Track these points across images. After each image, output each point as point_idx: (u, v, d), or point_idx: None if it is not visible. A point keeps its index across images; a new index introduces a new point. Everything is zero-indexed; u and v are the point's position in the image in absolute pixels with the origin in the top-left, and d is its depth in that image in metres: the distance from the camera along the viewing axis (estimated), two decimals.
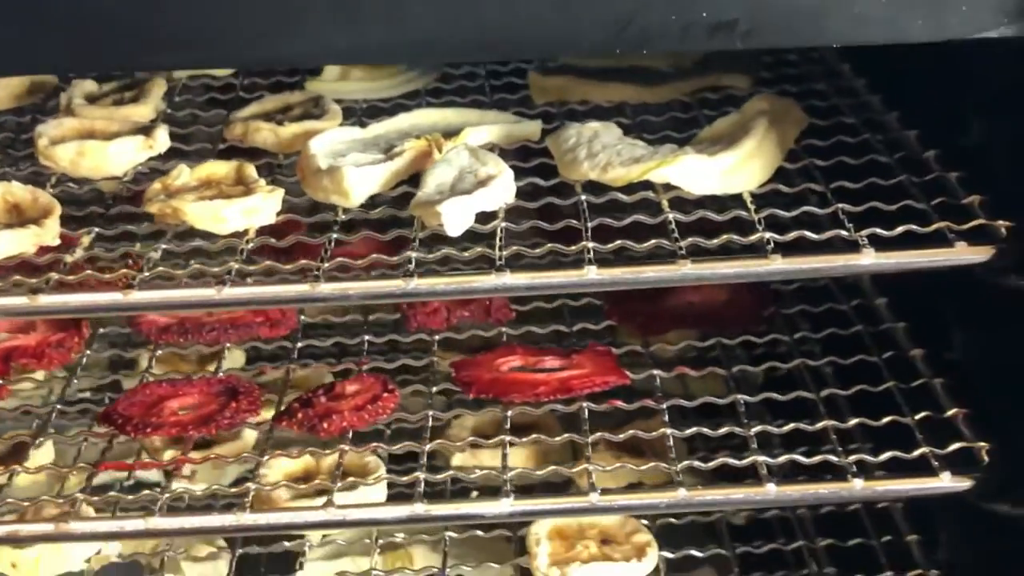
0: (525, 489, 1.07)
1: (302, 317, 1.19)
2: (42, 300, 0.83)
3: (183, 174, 0.97)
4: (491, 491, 0.97)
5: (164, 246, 0.90)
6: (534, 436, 0.97)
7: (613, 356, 1.08)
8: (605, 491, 0.89)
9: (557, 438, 0.97)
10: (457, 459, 1.11)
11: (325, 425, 0.99)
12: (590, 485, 0.90)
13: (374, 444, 0.98)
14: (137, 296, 0.83)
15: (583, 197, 0.95)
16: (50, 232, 0.92)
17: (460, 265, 0.87)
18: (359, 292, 0.84)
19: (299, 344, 1.15)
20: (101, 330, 1.18)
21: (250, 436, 1.15)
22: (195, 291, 0.83)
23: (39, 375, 1.20)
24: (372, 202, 0.97)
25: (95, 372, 1.21)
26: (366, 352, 1.13)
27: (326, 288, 0.84)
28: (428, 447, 0.96)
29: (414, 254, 0.87)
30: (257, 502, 0.94)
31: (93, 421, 1.09)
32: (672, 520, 1.15)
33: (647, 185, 0.95)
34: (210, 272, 0.86)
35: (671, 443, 0.95)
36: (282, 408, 1.04)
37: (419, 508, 0.89)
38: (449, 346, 1.15)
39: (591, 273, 0.84)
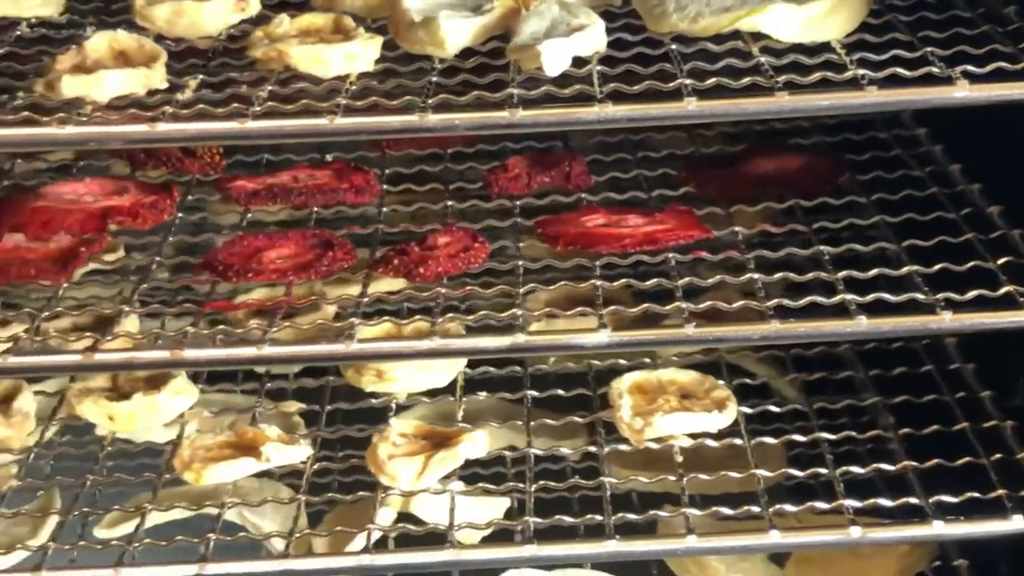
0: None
1: (384, 186, 1.22)
2: (160, 128, 0.86)
3: (284, 23, 0.99)
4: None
5: (270, 87, 0.93)
6: (624, 281, 1.00)
7: (694, 214, 1.10)
8: (700, 324, 0.92)
9: (647, 282, 0.99)
10: (534, 327, 1.14)
11: (421, 270, 1.02)
12: (685, 318, 0.92)
13: (468, 287, 1.01)
14: (253, 125, 0.86)
15: (673, 47, 0.97)
16: (158, 75, 0.95)
17: (561, 102, 0.89)
18: (466, 122, 0.87)
19: (384, 210, 1.18)
20: (190, 198, 1.21)
21: (329, 310, 1.18)
22: (309, 120, 0.86)
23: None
24: (465, 54, 0.99)
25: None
26: (449, 216, 1.16)
27: (433, 119, 0.87)
28: (522, 290, 1.00)
29: (516, 90, 0.89)
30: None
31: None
32: (747, 382, 1.19)
33: (736, 35, 0.97)
34: (318, 107, 0.88)
35: (760, 285, 0.97)
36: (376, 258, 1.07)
37: (520, 338, 0.92)
38: (530, 212, 1.17)
39: (691, 105, 0.86)
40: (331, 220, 1.19)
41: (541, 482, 1.04)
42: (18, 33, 1.08)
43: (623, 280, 1.00)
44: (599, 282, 1.00)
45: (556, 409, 1.19)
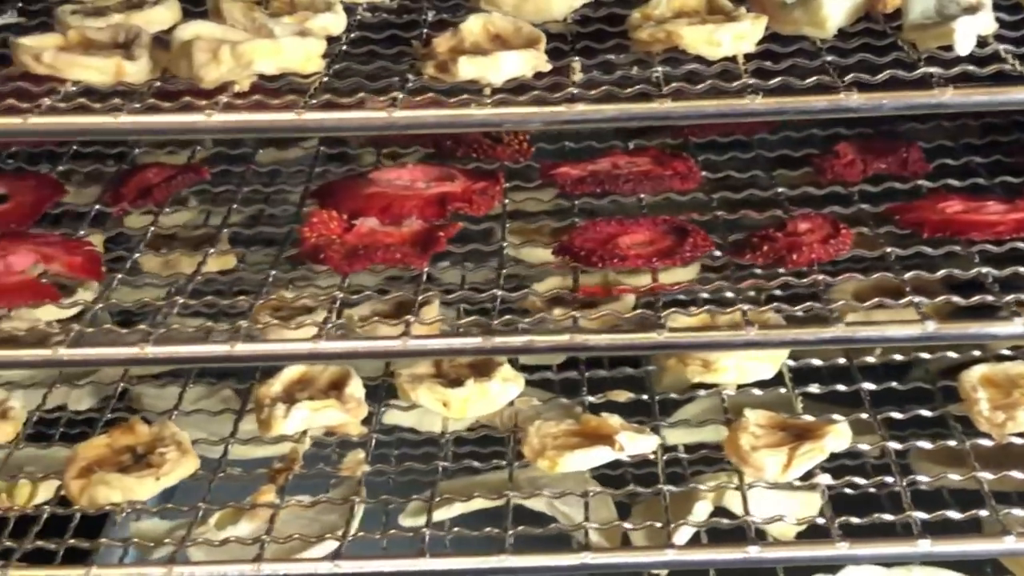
0: None
1: (703, 173, 1.19)
2: (579, 108, 0.84)
3: (662, 4, 0.98)
4: None
5: (660, 69, 0.91)
6: (1012, 270, 0.97)
7: None
8: None
9: None
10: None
11: (794, 256, 0.99)
12: None
13: (846, 275, 0.98)
14: (672, 106, 0.84)
15: None
16: (542, 58, 0.94)
17: (976, 81, 0.86)
18: (893, 102, 0.84)
19: (715, 196, 1.15)
20: (506, 184, 1.20)
21: (628, 300, 1.16)
22: (725, 101, 0.84)
23: None
24: (840, 33, 0.97)
25: None
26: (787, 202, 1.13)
27: (858, 99, 0.84)
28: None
29: (932, 69, 0.86)
30: None
31: None
32: None
33: None
34: (727, 88, 0.86)
35: None
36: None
37: (931, 326, 0.89)
38: (865, 199, 1.14)
39: None
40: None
41: (910, 476, 1.01)
42: (358, 18, 1.08)
43: (1011, 268, 0.96)
44: (985, 268, 0.96)
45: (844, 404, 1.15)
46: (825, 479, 1.01)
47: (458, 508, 1.26)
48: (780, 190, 1.15)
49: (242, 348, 0.88)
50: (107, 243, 1.19)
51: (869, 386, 1.13)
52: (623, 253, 1.02)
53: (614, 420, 1.08)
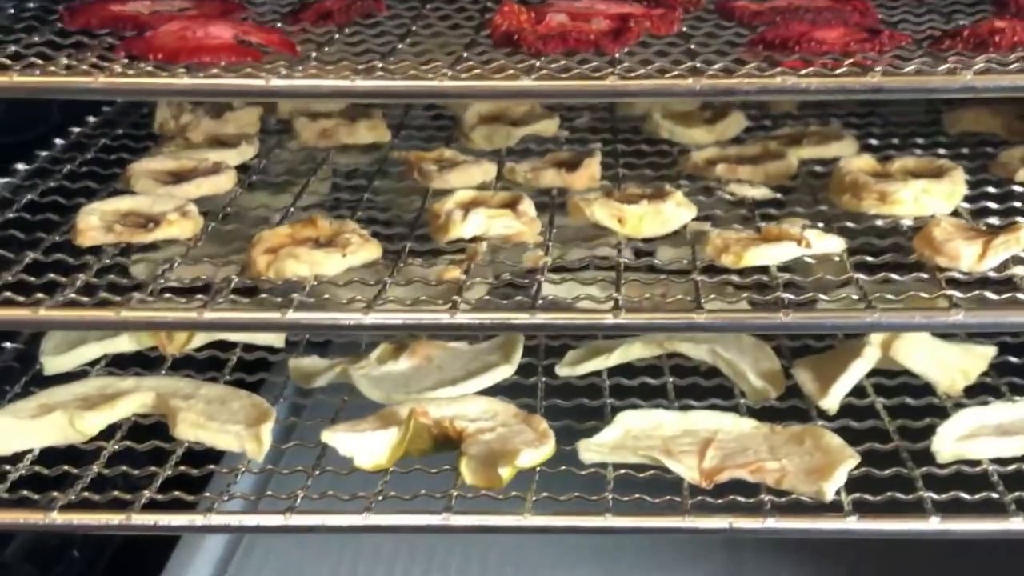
0: None
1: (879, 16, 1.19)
2: None
3: None
4: None
5: None
6: None
7: None
8: None
9: None
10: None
11: (996, 39, 0.99)
12: None
13: None
14: None
15: None
16: None
17: None
18: None
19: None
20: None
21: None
22: None
23: None
24: None
25: None
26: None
27: None
28: None
29: None
30: None
31: None
32: None
33: None
34: None
35: None
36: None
37: None
38: None
39: None
40: None
41: None
42: None
43: None
44: None
45: None
46: (1021, 270, 0.99)
47: (616, 358, 1.26)
48: (963, 22, 1.15)
49: (450, 83, 0.89)
50: None
51: None
52: (822, 40, 1.02)
53: (795, 229, 1.07)
